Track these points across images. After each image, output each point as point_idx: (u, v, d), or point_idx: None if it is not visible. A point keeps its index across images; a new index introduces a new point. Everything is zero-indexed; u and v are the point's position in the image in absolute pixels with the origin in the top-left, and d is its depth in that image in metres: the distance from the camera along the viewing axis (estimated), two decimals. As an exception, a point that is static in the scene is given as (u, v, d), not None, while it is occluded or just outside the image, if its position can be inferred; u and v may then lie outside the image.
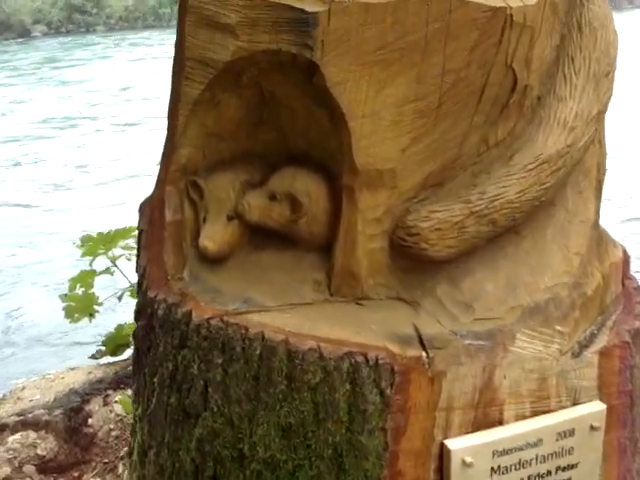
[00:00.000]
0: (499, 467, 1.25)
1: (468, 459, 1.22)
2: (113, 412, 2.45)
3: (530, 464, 1.28)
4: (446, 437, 1.23)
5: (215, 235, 1.32)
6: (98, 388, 2.54)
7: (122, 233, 2.75)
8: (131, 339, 2.21)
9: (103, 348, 2.80)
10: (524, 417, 1.28)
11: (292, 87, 1.24)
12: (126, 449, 2.27)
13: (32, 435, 2.34)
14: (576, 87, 1.36)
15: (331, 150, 1.27)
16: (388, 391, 1.19)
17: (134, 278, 1.55)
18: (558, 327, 1.30)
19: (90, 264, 2.76)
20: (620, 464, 1.38)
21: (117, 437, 2.39)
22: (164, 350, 1.31)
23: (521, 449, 1.26)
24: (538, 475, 1.29)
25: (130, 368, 2.24)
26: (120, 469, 2.26)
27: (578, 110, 1.35)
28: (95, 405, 2.46)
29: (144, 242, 1.40)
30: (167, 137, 1.34)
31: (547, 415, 1.29)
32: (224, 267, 1.34)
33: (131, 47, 19.51)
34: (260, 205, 1.31)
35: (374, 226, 1.28)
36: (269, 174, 1.33)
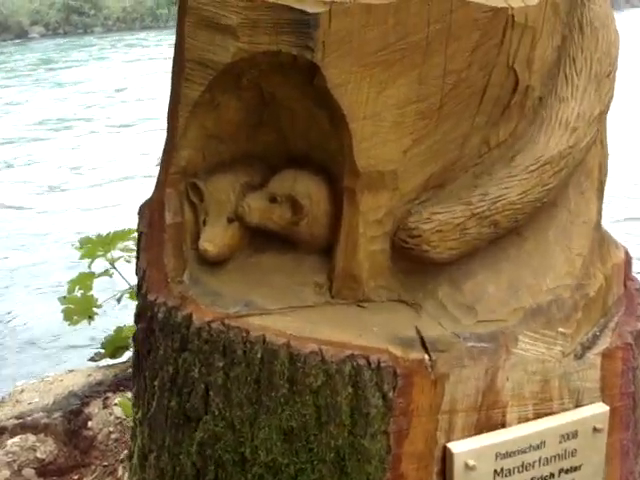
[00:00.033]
0: (502, 470, 1.25)
1: (471, 462, 1.22)
2: (113, 415, 2.44)
3: (533, 466, 1.27)
4: (449, 440, 1.23)
5: (215, 238, 1.31)
6: (97, 391, 2.53)
7: (121, 235, 2.74)
8: (130, 341, 2.20)
9: (102, 350, 2.80)
10: (527, 419, 1.27)
11: (292, 89, 1.24)
12: (126, 452, 2.26)
13: (31, 438, 2.33)
14: (578, 88, 1.36)
15: (332, 152, 1.26)
16: (390, 394, 1.18)
17: (133, 280, 1.54)
18: (561, 329, 1.29)
19: (89, 266, 2.75)
20: (623, 466, 1.37)
21: (117, 440, 2.38)
22: (164, 353, 1.30)
23: (524, 451, 1.26)
24: (541, 477, 1.28)
25: (129, 370, 2.23)
26: (120, 472, 2.25)
27: (580, 111, 1.34)
28: (95, 408, 2.45)
29: (144, 245, 1.39)
30: (167, 139, 1.33)
31: (550, 417, 1.28)
32: (224, 270, 1.34)
33: (127, 48, 19.50)
34: (260, 207, 1.30)
35: (375, 228, 1.27)
36: (269, 176, 1.33)
